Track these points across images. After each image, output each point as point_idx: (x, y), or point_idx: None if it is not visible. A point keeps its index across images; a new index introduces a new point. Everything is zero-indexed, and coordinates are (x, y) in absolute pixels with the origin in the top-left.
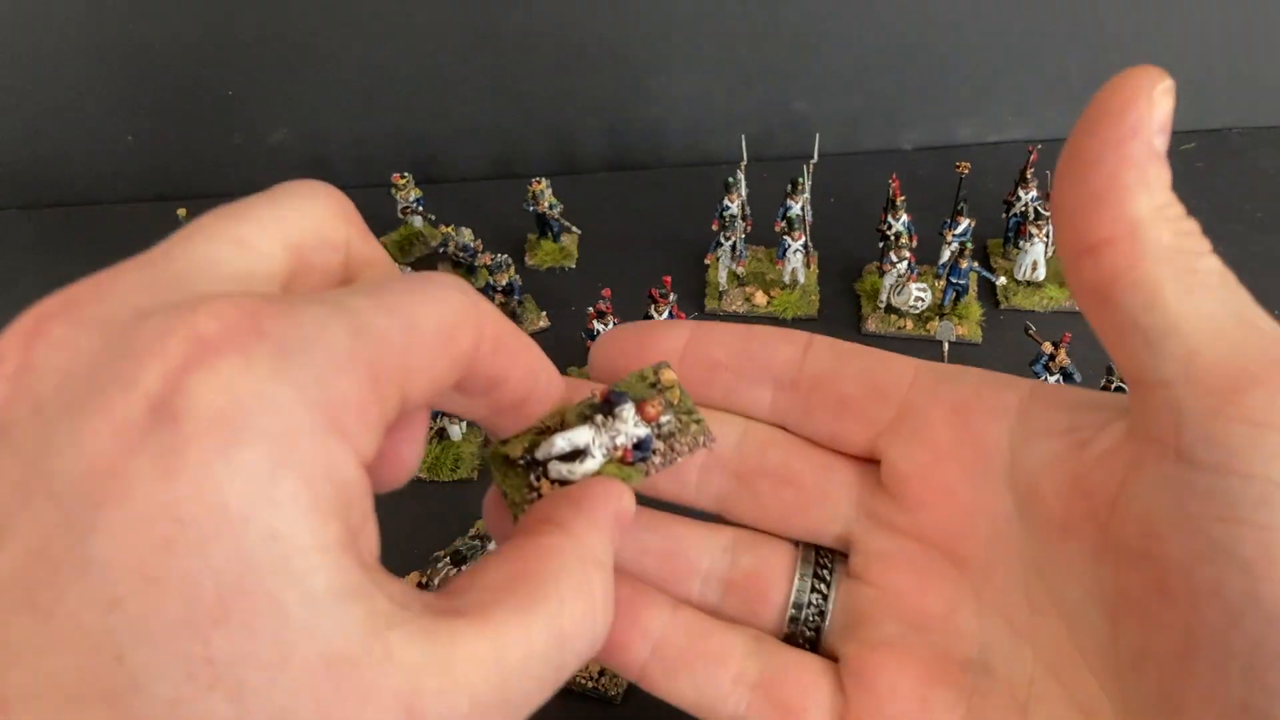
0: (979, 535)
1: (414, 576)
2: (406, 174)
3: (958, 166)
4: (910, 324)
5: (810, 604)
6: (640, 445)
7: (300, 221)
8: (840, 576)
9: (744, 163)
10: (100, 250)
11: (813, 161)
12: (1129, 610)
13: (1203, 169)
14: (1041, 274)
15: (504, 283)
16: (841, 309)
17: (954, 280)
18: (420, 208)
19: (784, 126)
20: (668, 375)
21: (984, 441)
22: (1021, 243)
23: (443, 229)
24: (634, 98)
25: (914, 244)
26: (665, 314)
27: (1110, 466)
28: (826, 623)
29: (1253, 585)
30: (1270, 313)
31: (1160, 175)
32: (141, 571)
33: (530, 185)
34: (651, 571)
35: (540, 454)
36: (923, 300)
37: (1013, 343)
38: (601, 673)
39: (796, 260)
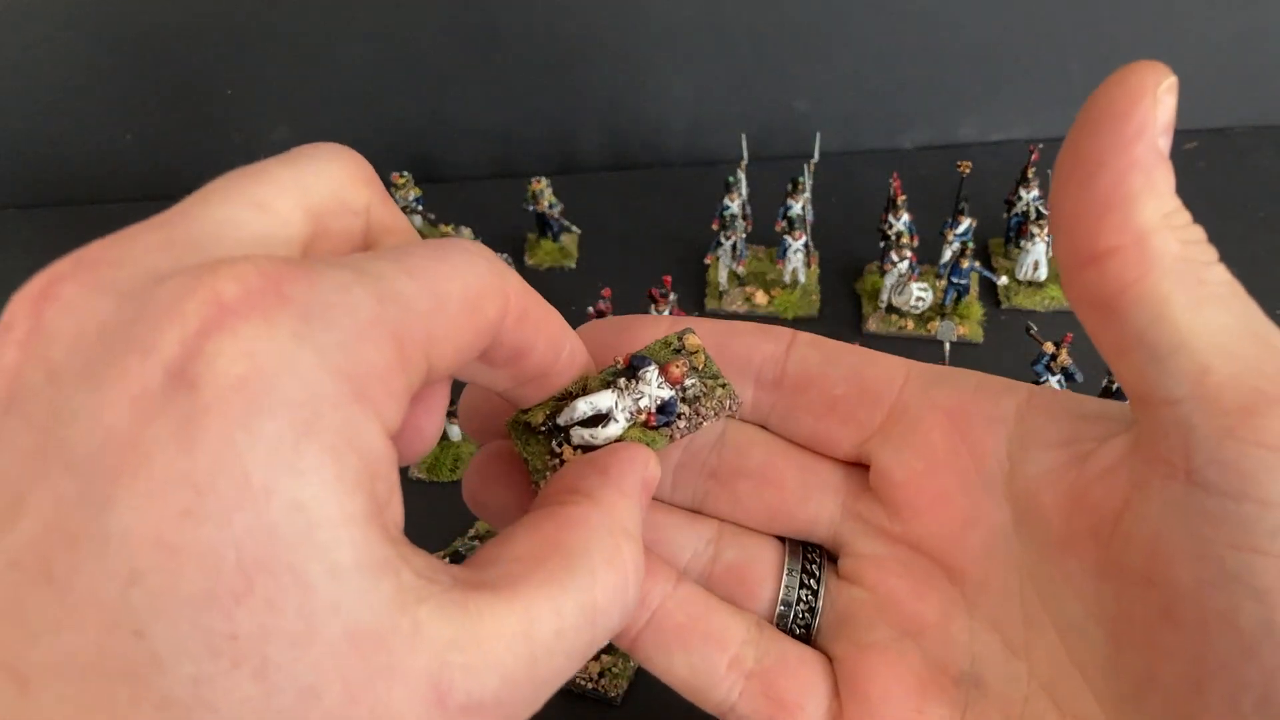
0: (974, 546)
1: None
2: (406, 173)
3: (959, 166)
4: (911, 324)
5: (800, 600)
6: (664, 408)
7: (320, 185)
8: (829, 576)
9: (744, 162)
10: None
11: (813, 161)
12: (1133, 634)
13: (1205, 168)
14: (1043, 274)
15: None
16: (842, 309)
17: (955, 280)
18: (420, 207)
19: (784, 126)
20: (692, 340)
21: (980, 450)
22: (1023, 242)
23: (442, 228)
24: (634, 98)
25: (915, 244)
26: (665, 313)
27: (1113, 483)
28: (817, 620)
29: (1269, 615)
30: (1272, 312)
31: (1166, 179)
32: (160, 544)
33: (530, 185)
34: None
35: (562, 419)
36: (924, 300)
37: (1014, 343)
38: (602, 674)
39: (797, 260)
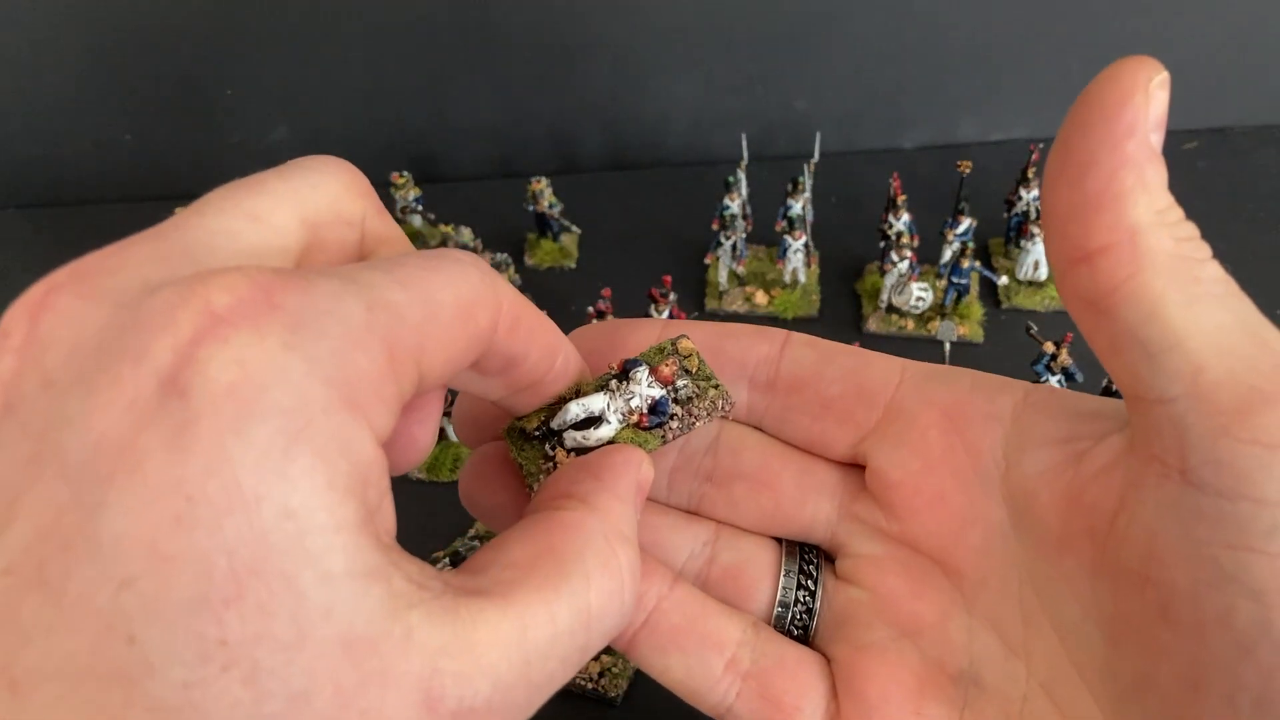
0: (972, 546)
1: None
2: (406, 173)
3: (959, 166)
4: (911, 324)
5: (798, 601)
6: (656, 408)
7: (315, 197)
8: (827, 576)
9: (744, 162)
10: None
11: (813, 161)
12: (1130, 634)
13: (1205, 168)
14: (1043, 273)
15: None
16: (842, 309)
17: (955, 280)
18: (420, 207)
19: (784, 126)
20: (685, 344)
21: (977, 449)
22: (1023, 242)
23: (442, 228)
24: (634, 98)
25: (915, 243)
26: (665, 313)
27: (1109, 482)
28: (815, 621)
29: (1265, 615)
30: (1272, 312)
31: (1159, 176)
32: (153, 549)
33: (530, 185)
34: None
35: (555, 423)
36: (924, 300)
37: (1014, 343)
38: (601, 674)
39: (797, 260)
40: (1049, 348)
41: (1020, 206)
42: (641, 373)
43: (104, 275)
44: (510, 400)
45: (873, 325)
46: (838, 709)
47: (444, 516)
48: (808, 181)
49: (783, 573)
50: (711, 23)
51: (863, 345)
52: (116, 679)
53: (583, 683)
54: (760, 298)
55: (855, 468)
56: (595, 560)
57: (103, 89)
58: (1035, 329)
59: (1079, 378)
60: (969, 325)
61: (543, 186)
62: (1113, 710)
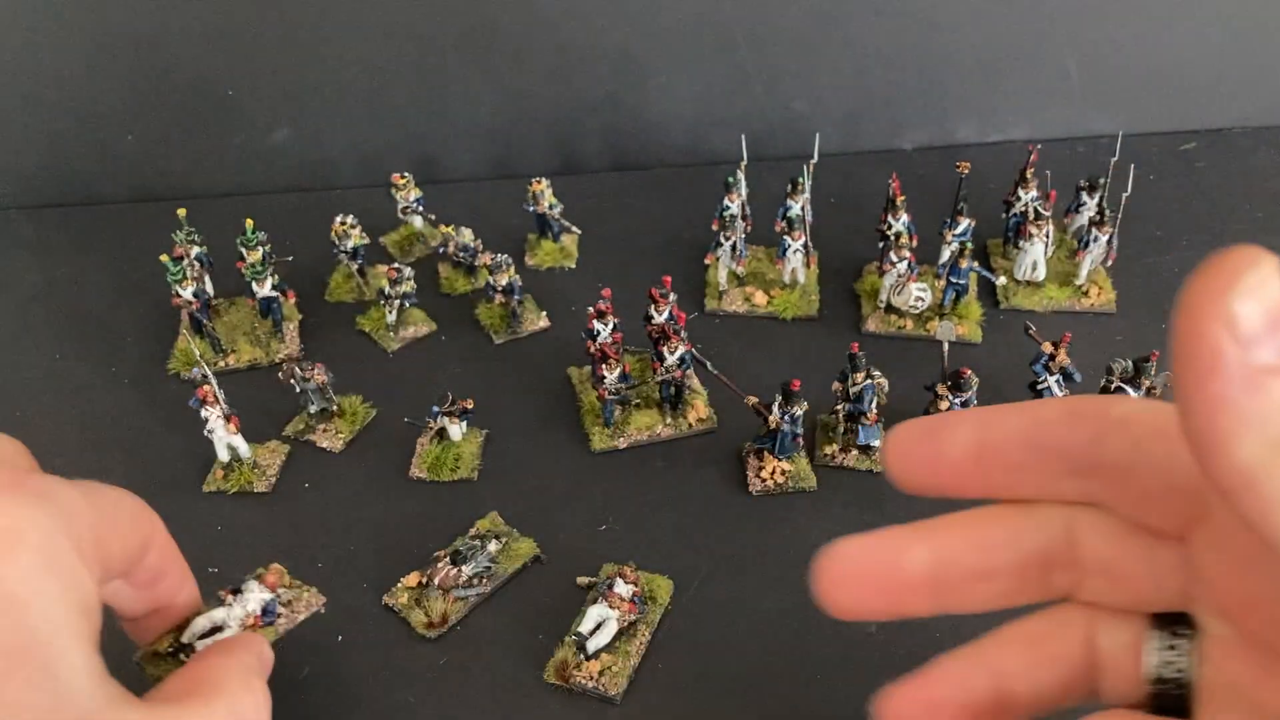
0: None
1: (414, 576)
2: (407, 174)
3: (958, 166)
4: (910, 324)
5: (1168, 678)
6: (266, 610)
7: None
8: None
9: (744, 162)
10: (99, 250)
11: (813, 161)
12: None
13: (1204, 168)
14: (1041, 274)
15: (504, 283)
16: (841, 309)
17: (954, 280)
18: (420, 208)
19: (784, 126)
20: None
21: None
22: (1021, 243)
23: (443, 229)
24: (634, 98)
25: (914, 244)
26: (665, 314)
27: None
28: (1188, 694)
29: None
30: None
31: (1265, 399)
32: None
33: (530, 185)
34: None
35: (186, 637)
36: (923, 300)
37: (1013, 342)
38: (601, 672)
39: (796, 260)
40: (1047, 348)
41: (1018, 207)
42: (252, 585)
43: None
44: (144, 623)
45: (872, 325)
46: None
47: (444, 516)
48: (807, 182)
49: (1154, 649)
50: (711, 24)
51: (861, 345)
52: None
53: (583, 681)
54: (760, 298)
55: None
56: (238, 682)
57: (105, 90)
58: (1034, 329)
59: (1077, 378)
60: (967, 325)
61: (543, 187)
62: None
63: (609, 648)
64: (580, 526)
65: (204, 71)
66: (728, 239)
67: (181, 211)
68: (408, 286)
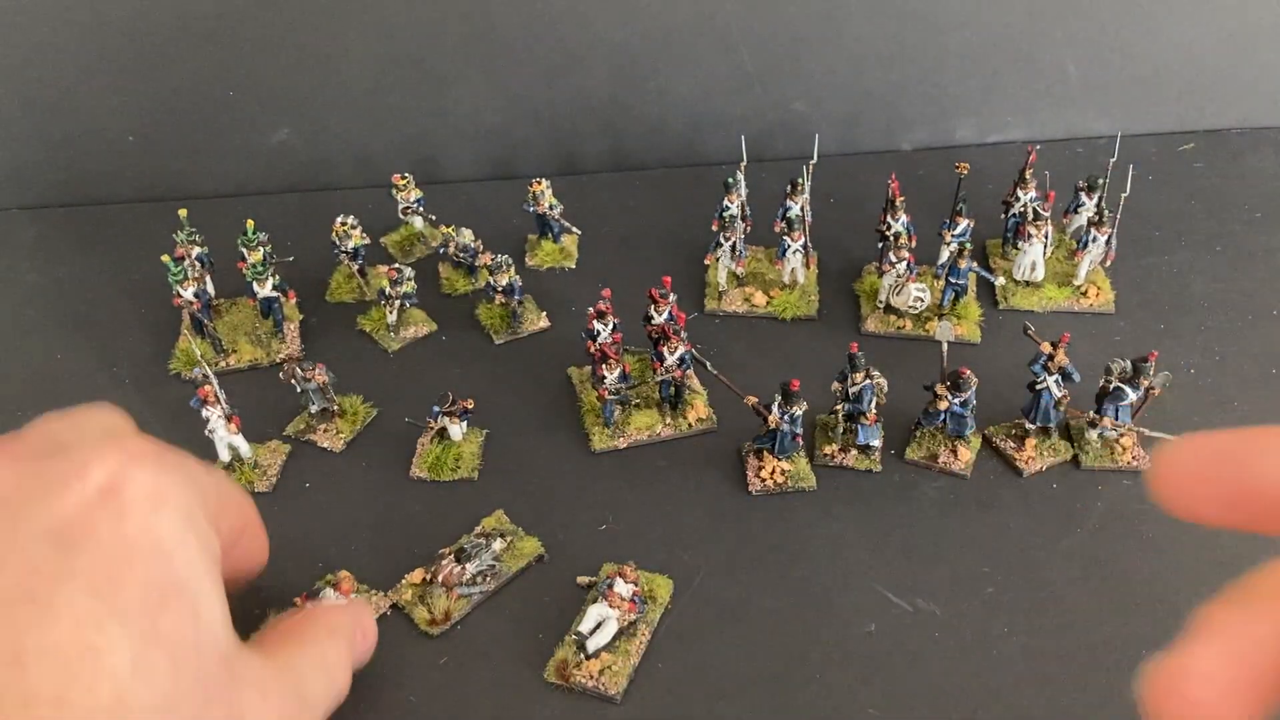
0: None
1: (419, 573)
2: (407, 174)
3: (957, 167)
4: (909, 324)
5: None
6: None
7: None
8: None
9: (744, 163)
10: (101, 250)
11: (812, 162)
12: None
13: (1202, 169)
14: (1040, 274)
15: (504, 283)
16: (841, 309)
17: (953, 280)
18: (421, 208)
19: (784, 127)
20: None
21: None
22: (1020, 243)
23: (443, 229)
24: (634, 99)
25: (913, 244)
26: (665, 314)
27: None
28: None
29: None
30: (1270, 313)
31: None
32: (107, 578)
33: (530, 186)
34: None
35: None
36: (922, 300)
37: (1011, 343)
38: (602, 671)
39: (796, 260)
40: (1046, 348)
41: (1017, 208)
42: (328, 591)
43: (8, 443)
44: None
45: (871, 325)
46: None
47: (448, 515)
48: (806, 183)
49: None
50: (711, 25)
51: (861, 345)
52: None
53: (583, 680)
54: (759, 298)
55: None
56: (327, 638)
57: (106, 91)
58: (1032, 329)
59: (1076, 378)
60: (966, 325)
61: (543, 188)
62: None
63: (609, 647)
64: (580, 526)
65: (204, 72)
66: (727, 239)
67: (183, 212)
68: (408, 287)
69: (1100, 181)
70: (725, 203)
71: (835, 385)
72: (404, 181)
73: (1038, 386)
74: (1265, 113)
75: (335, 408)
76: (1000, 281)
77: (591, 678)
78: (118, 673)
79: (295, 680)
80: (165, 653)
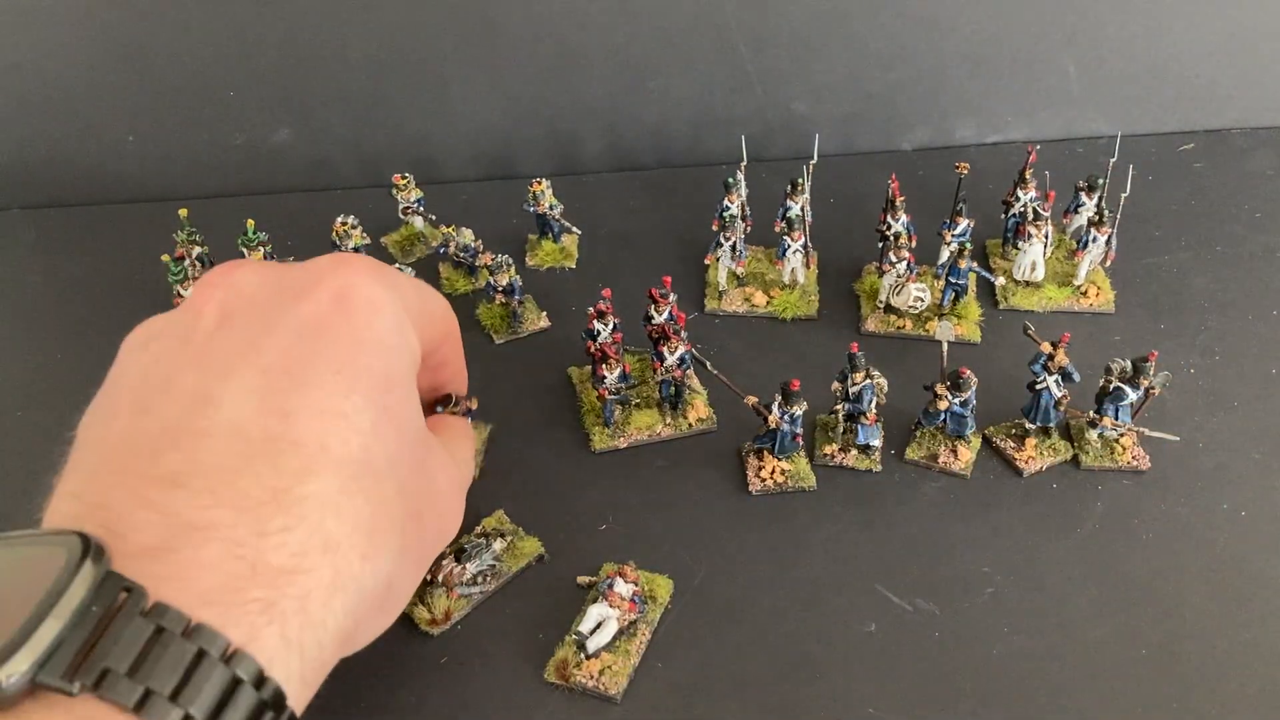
0: None
1: None
2: (407, 174)
3: (957, 167)
4: (909, 324)
5: None
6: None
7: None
8: None
9: (744, 163)
10: (101, 250)
11: (812, 162)
12: None
13: (1202, 169)
14: (1040, 274)
15: (504, 283)
16: (841, 309)
17: (953, 280)
18: (421, 208)
19: (784, 127)
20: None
21: None
22: (1020, 243)
23: (443, 229)
24: (634, 99)
25: (913, 244)
26: (665, 314)
27: None
28: None
29: None
30: (1270, 314)
31: None
32: (346, 362)
33: (530, 185)
34: None
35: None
36: (922, 300)
37: (1012, 343)
38: (601, 671)
39: (796, 260)
40: (1046, 348)
41: (1018, 208)
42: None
43: (250, 263)
44: (423, 397)
45: (871, 326)
46: None
47: None
48: (807, 183)
49: None
50: (711, 23)
51: (861, 346)
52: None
53: (583, 680)
54: (759, 298)
55: None
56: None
57: (105, 90)
58: (1032, 329)
59: (1076, 378)
60: (966, 325)
61: (543, 188)
62: None
63: (609, 647)
64: (580, 526)
65: (204, 71)
66: (727, 239)
67: (183, 211)
68: None
69: (1100, 181)
70: (725, 203)
71: (835, 385)
72: (404, 181)
73: (1038, 386)
74: (1266, 113)
75: None
76: (1000, 281)
77: (591, 677)
78: (363, 430)
79: (457, 459)
80: (392, 424)
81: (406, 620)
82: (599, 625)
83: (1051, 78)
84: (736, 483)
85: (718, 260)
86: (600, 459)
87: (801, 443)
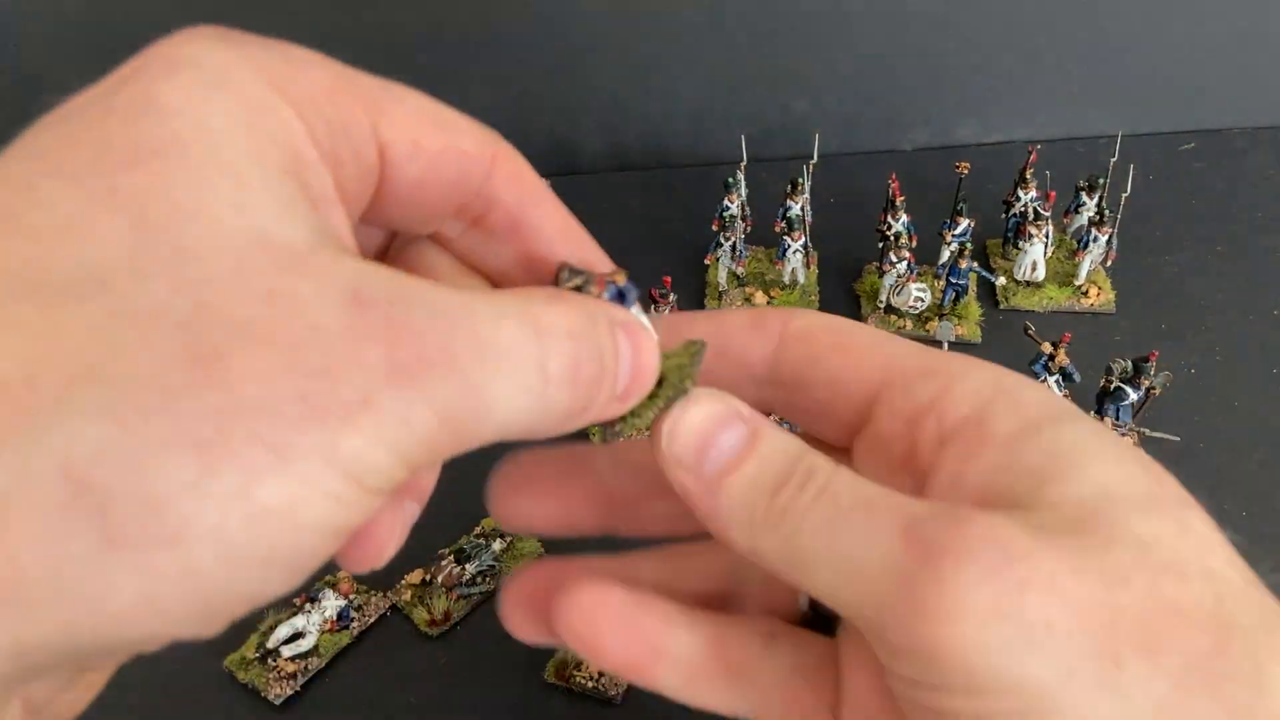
0: None
1: (418, 574)
2: None
3: (957, 167)
4: (910, 324)
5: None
6: (341, 615)
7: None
8: None
9: (744, 163)
10: None
11: (813, 162)
12: None
13: (1203, 169)
14: (1041, 274)
15: None
16: (841, 309)
17: (953, 280)
18: None
19: (784, 127)
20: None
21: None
22: (1021, 243)
23: None
24: (634, 98)
25: (914, 244)
26: (665, 314)
27: None
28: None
29: None
30: (1270, 313)
31: (730, 489)
32: (64, 139)
33: None
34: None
35: (270, 643)
36: (922, 300)
37: (1012, 343)
38: (602, 673)
39: (796, 260)
40: (1046, 348)
41: (1018, 208)
42: (327, 591)
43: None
44: (513, 276)
45: (871, 325)
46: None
47: (449, 513)
48: (807, 182)
49: None
50: (711, 23)
51: None
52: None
53: (583, 681)
54: (760, 298)
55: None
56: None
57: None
58: (1033, 329)
59: (1077, 378)
60: (967, 325)
61: None
62: None
63: None
64: None
65: None
66: (727, 239)
67: None
68: None
69: (1101, 181)
70: (725, 203)
71: None
72: None
73: None
74: (1267, 112)
75: None
76: (1001, 281)
77: (592, 679)
78: (42, 237)
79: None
80: (126, 216)
81: (406, 621)
82: None
83: (1052, 77)
84: None
85: (718, 260)
86: None
87: None
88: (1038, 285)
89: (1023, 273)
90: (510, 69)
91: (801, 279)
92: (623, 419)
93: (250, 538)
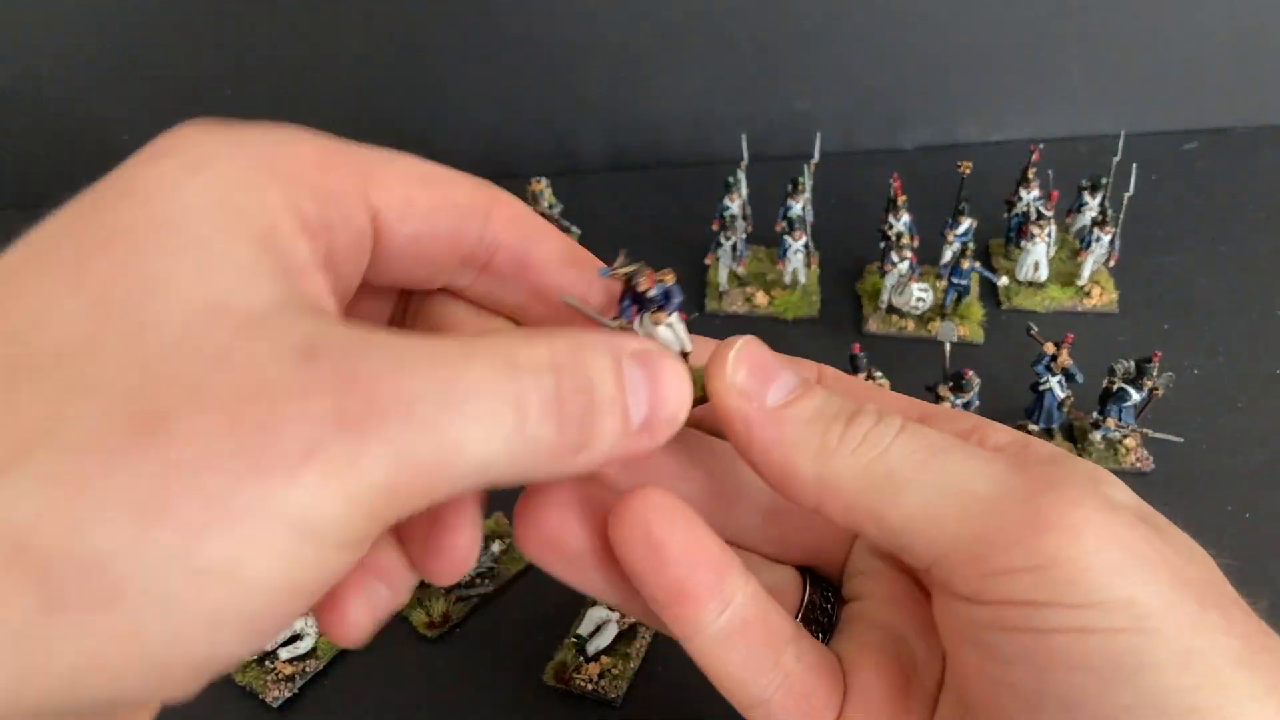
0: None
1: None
2: None
3: (959, 166)
4: (911, 324)
5: (820, 607)
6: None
7: None
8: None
9: (744, 162)
10: None
11: (814, 161)
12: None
13: (1204, 168)
14: (1044, 274)
15: None
16: (842, 309)
17: (955, 280)
18: None
19: (785, 126)
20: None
21: None
22: (1023, 243)
23: None
24: (634, 98)
25: (915, 244)
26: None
27: None
28: (834, 625)
29: None
30: (1272, 314)
31: (795, 418)
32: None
33: (530, 185)
34: None
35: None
36: (924, 300)
37: (1014, 343)
38: (601, 675)
39: (797, 260)
40: (1049, 348)
41: (1020, 207)
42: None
43: None
44: (531, 309)
45: (873, 326)
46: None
47: None
48: (808, 182)
49: (807, 588)
50: (711, 23)
51: (863, 346)
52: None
53: (582, 683)
54: (760, 298)
55: None
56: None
57: (103, 89)
58: (1035, 329)
59: (1079, 379)
60: (969, 326)
61: (543, 187)
62: None
63: (609, 650)
64: None
65: (203, 71)
66: (728, 239)
67: None
68: None
69: (1104, 181)
70: (726, 202)
71: None
72: None
73: (1041, 387)
74: (1271, 111)
75: None
76: (1003, 281)
77: (591, 681)
78: (11, 319)
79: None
80: (89, 295)
81: (405, 623)
82: (598, 628)
83: (1054, 76)
84: None
85: (718, 260)
86: None
87: None
88: (1040, 285)
89: (1025, 273)
90: (510, 69)
91: (803, 279)
92: None
93: (192, 596)
